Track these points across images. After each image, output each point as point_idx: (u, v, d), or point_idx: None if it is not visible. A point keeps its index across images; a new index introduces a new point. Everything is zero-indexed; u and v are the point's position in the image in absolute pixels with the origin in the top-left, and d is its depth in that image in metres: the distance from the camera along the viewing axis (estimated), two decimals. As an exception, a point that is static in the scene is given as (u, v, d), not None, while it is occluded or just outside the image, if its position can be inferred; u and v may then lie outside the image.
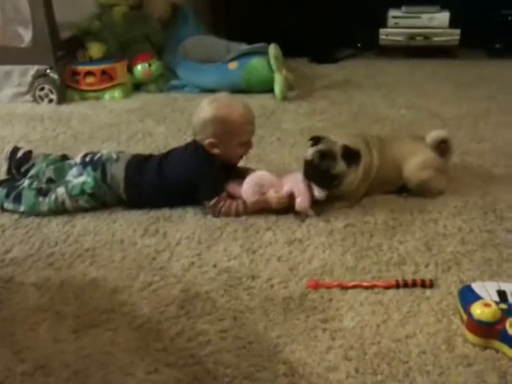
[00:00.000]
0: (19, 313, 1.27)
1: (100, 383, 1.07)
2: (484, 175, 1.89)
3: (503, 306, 1.16)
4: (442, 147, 1.75)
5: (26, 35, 2.73)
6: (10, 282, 1.38)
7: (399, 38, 3.53)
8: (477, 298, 1.19)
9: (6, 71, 2.73)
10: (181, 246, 1.52)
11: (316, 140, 1.68)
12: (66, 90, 2.77)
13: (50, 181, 1.74)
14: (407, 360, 1.11)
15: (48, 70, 2.69)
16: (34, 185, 1.71)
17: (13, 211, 1.69)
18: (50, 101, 2.72)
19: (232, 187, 1.69)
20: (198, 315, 1.25)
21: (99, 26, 2.85)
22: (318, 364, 1.10)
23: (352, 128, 2.36)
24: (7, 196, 1.69)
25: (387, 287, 1.32)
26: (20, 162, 1.81)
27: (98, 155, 1.73)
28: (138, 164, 1.71)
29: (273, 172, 1.74)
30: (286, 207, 1.65)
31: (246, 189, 1.65)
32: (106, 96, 2.80)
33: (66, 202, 1.67)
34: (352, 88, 2.94)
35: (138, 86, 2.95)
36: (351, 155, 1.61)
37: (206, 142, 1.65)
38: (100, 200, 1.69)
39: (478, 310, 1.14)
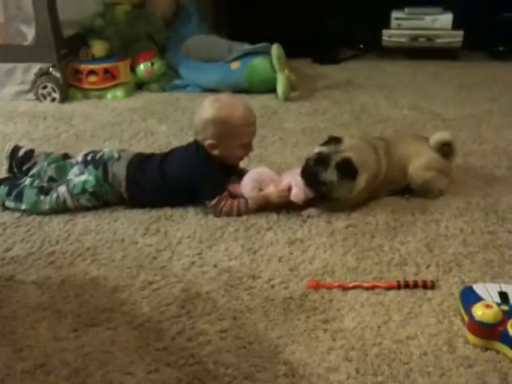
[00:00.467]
0: (20, 311, 1.27)
1: (100, 382, 1.07)
2: (486, 176, 1.89)
3: (504, 307, 1.15)
4: (446, 149, 1.75)
5: (29, 33, 2.73)
6: (11, 281, 1.38)
7: (402, 40, 3.52)
8: (478, 299, 1.19)
9: (8, 69, 2.73)
10: (182, 245, 1.52)
11: (330, 141, 1.66)
12: (69, 88, 2.78)
13: (51, 179, 1.74)
14: (408, 361, 1.10)
15: (51, 68, 2.70)
16: (36, 183, 1.71)
17: (14, 209, 1.69)
18: (53, 99, 2.72)
19: (233, 187, 1.69)
20: (199, 315, 1.25)
21: (102, 24, 2.85)
22: (319, 365, 1.10)
23: (354, 128, 2.36)
24: (9, 194, 1.69)
25: (388, 288, 1.31)
26: (22, 161, 1.81)
27: (100, 154, 1.73)
28: (140, 163, 1.70)
29: (274, 171, 1.74)
30: (287, 204, 1.65)
31: (246, 184, 1.65)
32: (109, 95, 2.80)
33: (68, 200, 1.67)
34: (354, 88, 2.94)
35: (140, 85, 2.95)
36: (346, 169, 1.59)
37: (207, 142, 1.65)
38: (101, 199, 1.69)
39: (479, 312, 1.13)
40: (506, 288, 1.23)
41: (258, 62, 2.81)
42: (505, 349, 1.11)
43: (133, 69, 2.91)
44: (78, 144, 2.20)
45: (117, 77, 2.82)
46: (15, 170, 1.82)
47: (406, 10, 3.52)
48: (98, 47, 2.83)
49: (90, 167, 1.69)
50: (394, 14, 3.52)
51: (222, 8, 3.78)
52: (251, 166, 1.84)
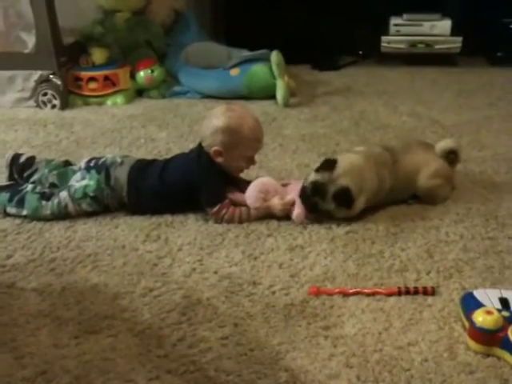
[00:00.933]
0: (20, 318, 1.27)
1: (101, 389, 1.07)
2: (486, 182, 1.90)
3: (505, 313, 1.16)
4: (451, 157, 1.77)
5: (30, 41, 2.74)
6: (12, 288, 1.38)
7: (401, 46, 3.54)
8: (479, 305, 1.19)
9: (9, 76, 2.74)
10: (182, 252, 1.52)
11: (325, 165, 1.63)
12: (69, 95, 2.78)
13: (52, 186, 1.75)
14: (409, 368, 1.10)
15: (51, 76, 2.71)
16: (38, 189, 1.72)
17: (15, 215, 1.69)
18: (53, 106, 2.73)
19: (233, 195, 1.70)
20: (200, 322, 1.25)
21: (102, 31, 2.86)
22: (320, 371, 1.10)
23: (353, 135, 2.36)
24: (10, 200, 1.69)
25: (389, 294, 1.31)
26: (23, 168, 1.82)
27: (103, 159, 1.73)
28: (142, 168, 1.71)
29: (275, 178, 1.75)
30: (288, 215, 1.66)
31: (250, 195, 1.65)
32: (109, 101, 2.81)
33: (69, 205, 1.67)
34: (353, 95, 2.95)
35: (140, 92, 2.96)
36: (342, 199, 1.59)
37: (213, 149, 1.65)
38: (102, 203, 1.70)
39: (480, 318, 1.13)
40: (506, 294, 1.23)
41: (258, 69, 2.82)
42: (506, 355, 1.11)
43: (133, 76, 2.92)
44: (79, 150, 2.21)
45: (117, 84, 2.83)
46: (16, 176, 1.82)
47: (405, 16, 3.53)
48: (98, 54, 2.84)
49: (93, 172, 1.69)
50: (393, 21, 3.53)
51: (220, 15, 3.80)
52: (251, 173, 1.84)
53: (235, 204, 1.68)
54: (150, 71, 2.90)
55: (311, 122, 2.54)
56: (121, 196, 1.69)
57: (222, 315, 1.26)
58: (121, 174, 1.69)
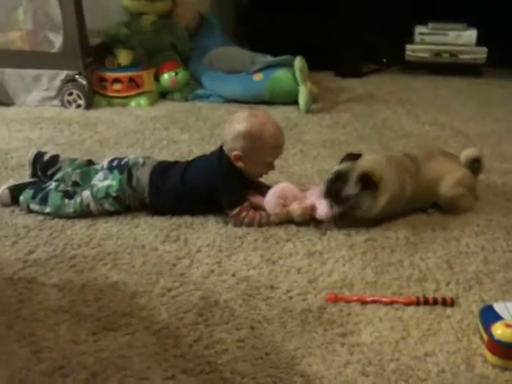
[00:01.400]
0: (40, 313, 1.29)
1: (117, 386, 1.08)
2: (508, 194, 1.87)
3: (525, 327, 1.14)
4: (475, 166, 1.76)
5: (57, 41, 2.78)
6: (33, 283, 1.40)
7: (425, 55, 3.51)
8: (498, 318, 1.17)
9: (35, 75, 2.78)
10: (201, 253, 1.53)
11: (348, 157, 1.67)
12: (94, 95, 2.82)
13: (75, 184, 1.77)
14: (426, 378, 1.09)
15: (77, 76, 2.74)
16: (61, 187, 1.74)
17: (38, 212, 1.72)
18: (78, 106, 2.76)
19: (255, 198, 1.70)
20: (216, 323, 1.25)
21: (128, 33, 2.89)
22: (335, 378, 1.10)
23: (376, 143, 2.35)
24: (34, 197, 1.71)
25: (407, 304, 1.31)
26: (46, 166, 1.85)
27: (125, 160, 1.75)
28: (163, 169, 1.73)
29: (295, 184, 1.75)
30: (308, 221, 1.66)
31: (269, 200, 1.66)
32: (133, 103, 2.84)
33: (91, 204, 1.69)
34: (376, 103, 2.94)
35: (163, 94, 2.98)
36: (367, 182, 1.59)
37: (233, 153, 1.66)
38: (124, 204, 1.72)
39: (498, 331, 1.12)
40: (526, 308, 1.22)
41: (281, 74, 2.82)
42: (524, 369, 1.09)
43: (157, 78, 2.95)
44: (102, 150, 2.23)
45: (141, 85, 2.85)
46: (40, 174, 1.85)
47: (430, 25, 3.51)
48: (124, 56, 2.87)
49: (116, 172, 1.71)
50: (418, 29, 3.52)
51: (244, 20, 3.82)
52: (271, 178, 1.85)
53: (255, 208, 1.68)
54: (173, 74, 2.92)
55: (333, 128, 2.54)
56: (142, 196, 1.71)
57: (238, 318, 1.27)
58: (143, 175, 1.71)
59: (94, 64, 2.83)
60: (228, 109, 2.76)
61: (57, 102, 2.79)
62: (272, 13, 3.55)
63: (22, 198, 1.73)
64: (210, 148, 2.02)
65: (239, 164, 1.67)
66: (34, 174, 1.86)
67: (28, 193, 1.73)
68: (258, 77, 2.87)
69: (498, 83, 3.34)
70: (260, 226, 1.65)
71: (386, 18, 3.46)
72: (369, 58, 3.67)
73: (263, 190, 1.73)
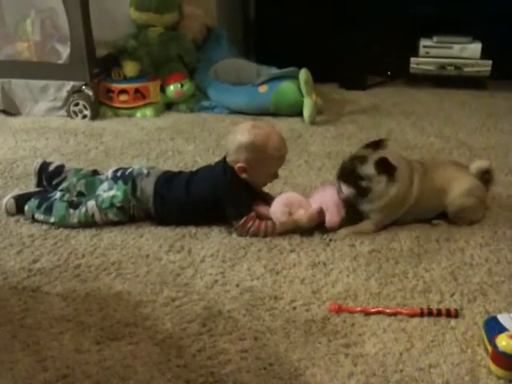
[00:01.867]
0: (44, 322, 1.29)
1: (120, 396, 1.08)
2: (513, 207, 1.87)
3: (530, 339, 1.14)
4: (486, 177, 1.76)
5: (64, 52, 2.81)
6: (37, 292, 1.41)
7: (430, 68, 3.52)
8: (502, 329, 1.17)
9: (42, 86, 2.80)
10: (205, 263, 1.53)
11: (369, 145, 1.70)
12: (100, 106, 2.84)
13: (80, 194, 1.78)
14: (430, 390, 1.09)
15: (83, 87, 2.76)
16: (66, 197, 1.75)
17: (43, 222, 1.73)
18: (84, 116, 2.78)
19: (260, 208, 1.70)
20: (220, 333, 1.25)
21: (135, 45, 2.92)
22: (339, 389, 1.09)
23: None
24: (39, 207, 1.72)
25: (411, 315, 1.30)
26: (52, 176, 1.86)
27: (130, 170, 1.76)
28: (168, 180, 1.73)
29: (300, 194, 1.75)
30: (314, 227, 1.67)
31: (275, 210, 1.66)
32: (138, 114, 2.86)
33: (96, 214, 1.70)
34: (381, 115, 2.95)
35: (169, 105, 3.00)
36: (385, 166, 1.62)
37: (237, 165, 1.67)
38: (128, 214, 1.72)
39: (503, 342, 1.12)
40: (531, 319, 1.21)
41: (286, 86, 2.84)
42: (529, 381, 1.09)
43: (162, 89, 2.97)
44: (107, 160, 2.25)
45: (147, 96, 2.87)
46: (45, 184, 1.86)
47: (435, 38, 3.52)
48: (130, 67, 2.89)
49: (120, 182, 1.72)
50: (423, 42, 3.53)
51: (251, 32, 3.84)
52: (276, 188, 1.85)
53: (260, 217, 1.68)
54: (179, 85, 2.94)
55: (337, 139, 2.55)
56: (147, 207, 1.71)
57: (242, 328, 1.27)
58: (147, 186, 1.71)
59: (100, 75, 2.85)
60: (233, 120, 2.77)
61: (63, 112, 2.81)
62: (278, 25, 3.57)
63: (27, 208, 1.74)
64: (214, 159, 2.03)
65: (244, 176, 1.68)
66: (39, 184, 1.88)
67: (33, 202, 1.74)
68: (263, 89, 2.88)
69: (503, 96, 3.34)
70: (266, 235, 1.65)
71: (390, 31, 3.48)
72: (373, 71, 3.68)
73: (268, 199, 1.73)
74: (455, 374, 1.13)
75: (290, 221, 1.66)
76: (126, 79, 2.88)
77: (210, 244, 1.63)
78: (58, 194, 1.76)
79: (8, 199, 1.78)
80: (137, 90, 2.85)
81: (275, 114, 2.82)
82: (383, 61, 3.66)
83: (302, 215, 1.65)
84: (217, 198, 1.67)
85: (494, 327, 1.20)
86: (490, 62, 3.42)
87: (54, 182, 1.85)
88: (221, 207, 1.68)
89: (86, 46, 2.72)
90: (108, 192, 1.73)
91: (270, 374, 1.13)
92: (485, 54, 3.45)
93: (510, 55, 3.36)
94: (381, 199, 1.64)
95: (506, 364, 1.11)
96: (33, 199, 1.75)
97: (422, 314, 1.30)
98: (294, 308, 1.34)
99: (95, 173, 1.88)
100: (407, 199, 1.67)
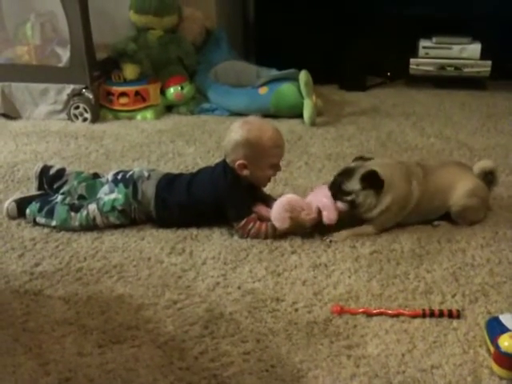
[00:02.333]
0: (46, 325, 1.30)
1: (123, 399, 1.08)
2: (514, 207, 1.87)
3: (532, 339, 1.14)
4: (489, 178, 1.76)
5: (64, 55, 2.82)
6: (39, 295, 1.41)
7: (429, 68, 3.52)
8: (504, 330, 1.17)
9: (42, 89, 2.81)
10: (206, 265, 1.54)
11: (359, 158, 1.75)
12: (100, 109, 2.84)
13: (81, 198, 1.78)
14: (432, 391, 1.09)
15: (83, 90, 2.77)
16: (67, 200, 1.75)
17: (45, 225, 1.73)
18: (84, 119, 2.79)
19: (261, 209, 1.70)
20: (222, 336, 1.25)
21: (135, 48, 2.92)
22: (341, 390, 1.09)
23: (380, 156, 2.35)
24: (40, 210, 1.73)
25: (413, 316, 1.30)
26: (53, 179, 1.86)
27: (130, 173, 1.76)
28: (168, 182, 1.74)
29: (299, 196, 1.75)
30: (315, 227, 1.68)
31: (277, 217, 1.65)
32: (139, 116, 2.86)
33: (97, 218, 1.70)
34: (381, 116, 2.95)
35: (169, 108, 3.00)
36: (370, 180, 1.62)
37: (237, 163, 1.67)
38: (130, 217, 1.72)
39: (505, 342, 1.12)
40: (533, 320, 1.21)
41: (286, 88, 2.84)
42: (532, 382, 1.09)
43: (163, 92, 2.97)
44: (108, 163, 2.25)
45: (147, 99, 2.88)
46: (46, 187, 1.86)
47: (434, 39, 3.52)
48: (130, 70, 2.89)
49: (121, 185, 1.72)
50: (422, 43, 3.53)
51: (251, 34, 3.85)
52: (277, 190, 1.85)
53: (261, 219, 1.68)
54: (179, 88, 2.94)
55: (337, 141, 2.55)
56: (148, 210, 1.71)
57: (244, 330, 1.27)
58: (148, 189, 1.71)
59: (100, 78, 2.86)
60: (233, 122, 2.76)
61: (63, 115, 2.81)
62: (278, 27, 3.57)
63: (28, 211, 1.74)
64: (215, 161, 2.02)
65: (245, 172, 1.68)
66: (40, 187, 1.88)
67: (34, 206, 1.74)
68: (263, 90, 2.88)
69: (503, 96, 3.34)
70: (266, 237, 1.66)
71: (390, 32, 3.48)
72: (373, 72, 3.68)
73: (270, 201, 1.73)
74: (457, 374, 1.13)
75: (291, 223, 1.65)
76: (126, 82, 2.88)
77: (211, 246, 1.63)
78: (59, 198, 1.76)
79: (9, 203, 1.79)
80: (137, 93, 2.86)
81: (275, 115, 2.82)
82: (383, 62, 3.67)
83: (303, 217, 1.65)
84: (217, 200, 1.67)
85: (495, 328, 1.20)
86: (490, 62, 3.42)
87: (55, 186, 1.85)
88: (222, 209, 1.68)
89: (85, 49, 2.72)
90: (109, 195, 1.73)
91: (273, 375, 1.13)
92: (484, 55, 3.45)
93: (509, 55, 3.36)
94: (376, 209, 1.65)
95: (509, 364, 1.11)
96: (34, 203, 1.75)
97: (423, 315, 1.30)
98: (296, 310, 1.34)
99: (96, 176, 1.89)
100: (408, 202, 1.68)
